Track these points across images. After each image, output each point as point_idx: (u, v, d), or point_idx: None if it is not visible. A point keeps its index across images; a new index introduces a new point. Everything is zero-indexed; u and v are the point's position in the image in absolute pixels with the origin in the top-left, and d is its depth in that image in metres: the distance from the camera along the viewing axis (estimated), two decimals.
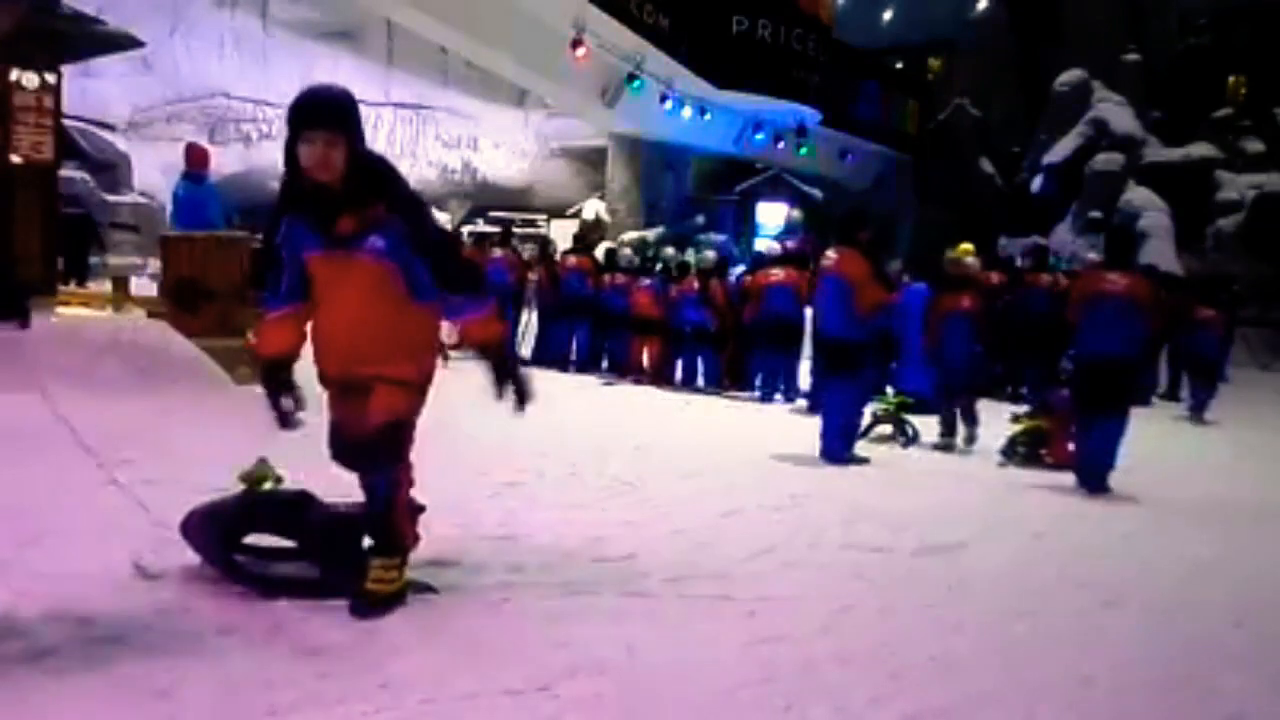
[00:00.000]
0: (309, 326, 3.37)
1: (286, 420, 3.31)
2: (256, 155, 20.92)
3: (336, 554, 3.45)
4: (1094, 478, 6.62)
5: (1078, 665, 3.29)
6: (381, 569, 3.30)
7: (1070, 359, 7.24)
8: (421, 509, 3.54)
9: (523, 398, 3.36)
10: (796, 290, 10.75)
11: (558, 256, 13.85)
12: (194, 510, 3.46)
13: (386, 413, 3.24)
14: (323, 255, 3.23)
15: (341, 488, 3.47)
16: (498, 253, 13.42)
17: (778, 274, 10.97)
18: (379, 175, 3.24)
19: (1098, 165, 20.44)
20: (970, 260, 12.22)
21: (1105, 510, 6.20)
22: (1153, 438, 6.74)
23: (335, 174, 3.13)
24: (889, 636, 3.46)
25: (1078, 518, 5.93)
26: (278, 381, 3.32)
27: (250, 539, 3.47)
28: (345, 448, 3.37)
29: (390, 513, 3.34)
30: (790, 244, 12.47)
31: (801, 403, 10.58)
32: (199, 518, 3.44)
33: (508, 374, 3.35)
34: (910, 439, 8.30)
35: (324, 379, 3.39)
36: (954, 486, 6.63)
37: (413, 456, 3.37)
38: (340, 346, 3.30)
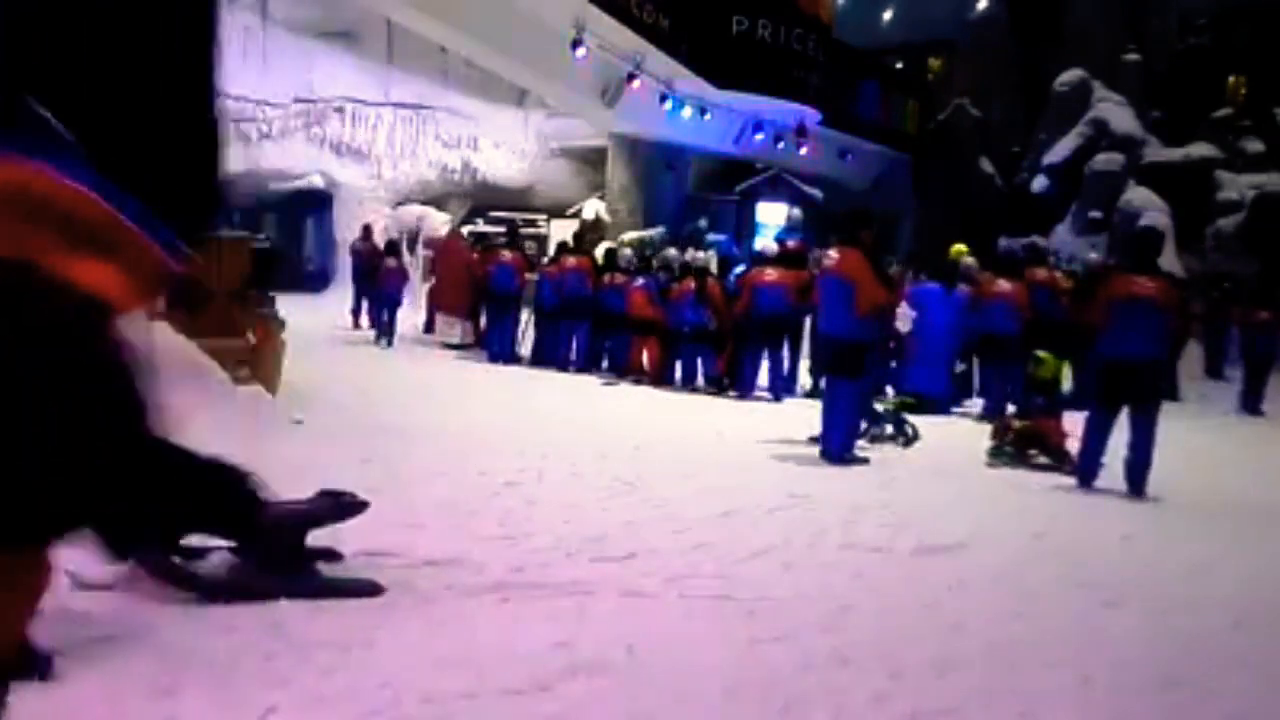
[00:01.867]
0: None
1: None
2: (256, 155, 20.89)
3: (274, 554, 3.29)
4: (1137, 483, 6.57)
5: (1078, 665, 3.28)
6: None
7: (1092, 358, 7.26)
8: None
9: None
10: (787, 291, 10.76)
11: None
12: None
13: None
14: None
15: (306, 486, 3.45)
16: (506, 255, 13.38)
17: (772, 274, 10.96)
18: None
19: (1098, 165, 20.40)
20: (968, 260, 12.27)
21: (1105, 510, 6.20)
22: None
23: None
24: (889, 636, 3.45)
25: (1078, 518, 5.93)
26: None
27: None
28: None
29: None
30: (791, 243, 12.46)
31: (802, 400, 10.61)
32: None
33: None
34: (910, 439, 8.30)
35: None
36: (953, 486, 6.63)
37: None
38: None
